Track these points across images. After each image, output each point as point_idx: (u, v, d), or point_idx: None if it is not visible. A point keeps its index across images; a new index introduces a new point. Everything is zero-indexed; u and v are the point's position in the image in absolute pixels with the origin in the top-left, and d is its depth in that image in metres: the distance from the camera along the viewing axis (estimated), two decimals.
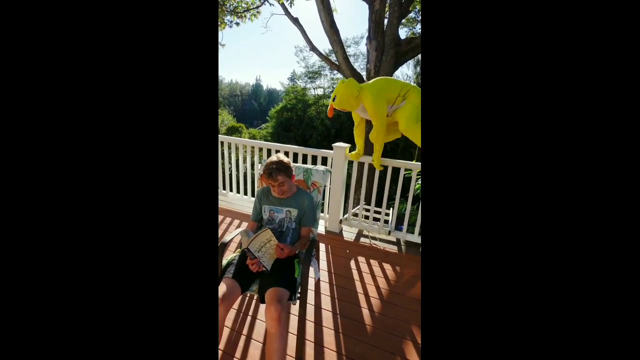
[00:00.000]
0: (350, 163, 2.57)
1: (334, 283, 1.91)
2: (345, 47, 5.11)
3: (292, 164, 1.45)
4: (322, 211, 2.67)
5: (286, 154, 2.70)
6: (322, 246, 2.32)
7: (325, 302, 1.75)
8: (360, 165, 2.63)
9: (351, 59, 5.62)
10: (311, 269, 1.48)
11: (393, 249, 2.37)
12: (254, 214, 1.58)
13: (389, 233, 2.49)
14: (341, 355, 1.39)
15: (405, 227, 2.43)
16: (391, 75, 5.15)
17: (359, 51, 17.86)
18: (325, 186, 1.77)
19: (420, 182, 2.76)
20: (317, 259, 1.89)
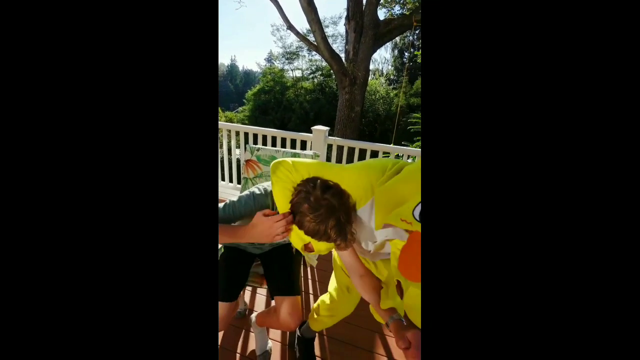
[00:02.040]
0: (330, 147, 2.55)
1: (316, 267, 1.93)
2: (323, 27, 4.95)
3: (280, 150, 1.42)
4: None
5: (265, 137, 2.63)
6: None
7: (306, 285, 1.77)
8: (340, 149, 2.62)
9: (329, 40, 5.45)
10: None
11: None
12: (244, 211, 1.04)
13: None
14: (322, 336, 1.42)
15: None
16: (370, 58, 5.08)
17: (337, 32, 17.48)
18: None
19: None
20: None
